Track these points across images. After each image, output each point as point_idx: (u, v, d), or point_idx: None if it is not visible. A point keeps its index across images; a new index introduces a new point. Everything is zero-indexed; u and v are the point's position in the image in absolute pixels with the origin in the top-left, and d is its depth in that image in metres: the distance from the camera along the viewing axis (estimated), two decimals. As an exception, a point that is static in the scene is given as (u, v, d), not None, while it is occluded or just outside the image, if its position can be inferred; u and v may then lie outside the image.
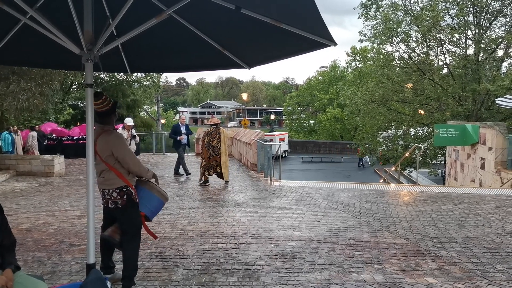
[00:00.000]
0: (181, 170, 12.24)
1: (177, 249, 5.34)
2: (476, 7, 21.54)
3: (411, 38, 23.47)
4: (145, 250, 5.23)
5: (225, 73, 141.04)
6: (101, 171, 3.82)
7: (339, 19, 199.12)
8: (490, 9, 21.57)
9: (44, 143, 17.17)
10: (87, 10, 3.32)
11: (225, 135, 10.58)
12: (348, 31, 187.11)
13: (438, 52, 23.15)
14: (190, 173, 12.13)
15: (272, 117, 73.37)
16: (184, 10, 3.29)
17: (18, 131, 18.41)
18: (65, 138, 19.55)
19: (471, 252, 5.22)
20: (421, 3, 23.40)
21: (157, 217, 6.67)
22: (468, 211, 7.48)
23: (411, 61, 23.53)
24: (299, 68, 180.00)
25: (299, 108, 54.99)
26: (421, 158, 20.69)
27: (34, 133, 17.12)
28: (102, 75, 28.73)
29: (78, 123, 27.78)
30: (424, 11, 22.01)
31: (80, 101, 32.92)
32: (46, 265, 4.81)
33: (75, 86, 30.90)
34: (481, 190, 9.82)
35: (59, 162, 12.99)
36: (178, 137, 11.92)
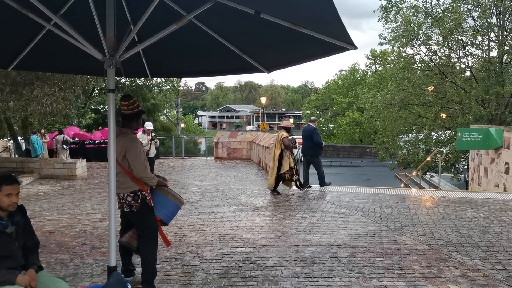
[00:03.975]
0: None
1: (196, 253, 5.36)
2: (499, 9, 21.10)
3: (432, 41, 23.11)
4: (165, 253, 5.27)
5: (244, 77, 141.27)
6: (116, 174, 3.86)
7: (356, 22, 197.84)
8: (514, 10, 21.12)
9: (66, 148, 17.47)
10: (110, 17, 3.38)
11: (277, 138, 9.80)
12: (366, 34, 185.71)
13: (460, 55, 22.75)
14: (310, 186, 10.45)
15: (291, 120, 73.29)
16: (204, 15, 3.31)
17: (46, 134, 18.82)
18: (87, 142, 19.92)
19: (495, 259, 5.09)
20: (442, 6, 23.09)
21: (177, 220, 6.74)
22: (492, 216, 7.31)
23: (433, 64, 23.16)
24: (318, 72, 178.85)
25: (318, 112, 54.69)
26: (443, 163, 20.33)
27: (59, 137, 17.41)
28: (123, 80, 29.17)
29: (100, 127, 28.28)
30: (445, 13, 21.68)
31: (102, 106, 33.47)
32: (68, 267, 4.88)
33: (97, 91, 31.46)
34: (506, 195, 9.59)
35: (81, 165, 13.23)
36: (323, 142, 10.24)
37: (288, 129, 9.96)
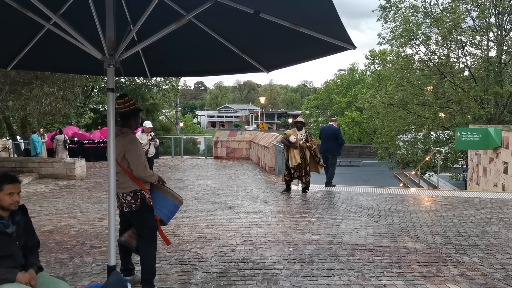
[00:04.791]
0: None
1: (196, 252, 5.36)
2: (498, 9, 21.15)
3: (431, 41, 23.16)
4: (164, 252, 5.27)
5: (243, 77, 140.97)
6: (116, 173, 3.85)
7: (355, 22, 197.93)
8: (513, 10, 21.15)
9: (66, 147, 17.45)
10: (109, 16, 3.38)
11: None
12: (364, 34, 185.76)
13: (459, 55, 22.80)
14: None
15: (290, 120, 73.24)
16: (204, 15, 3.31)
17: (45, 134, 18.79)
18: (86, 141, 19.90)
19: (494, 258, 5.11)
20: (441, 5, 23.13)
21: (176, 219, 6.74)
22: (491, 216, 7.32)
23: (431, 63, 23.20)
24: (317, 72, 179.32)
25: (317, 112, 54.74)
26: (442, 162, 20.37)
27: (60, 137, 17.37)
28: (122, 80, 29.13)
29: (99, 127, 28.23)
30: (444, 13, 21.71)
31: (101, 105, 33.45)
32: (68, 266, 4.89)
33: (96, 91, 31.43)
34: (504, 195, 9.61)
35: (80, 165, 13.22)
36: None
37: (298, 125, 9.48)
